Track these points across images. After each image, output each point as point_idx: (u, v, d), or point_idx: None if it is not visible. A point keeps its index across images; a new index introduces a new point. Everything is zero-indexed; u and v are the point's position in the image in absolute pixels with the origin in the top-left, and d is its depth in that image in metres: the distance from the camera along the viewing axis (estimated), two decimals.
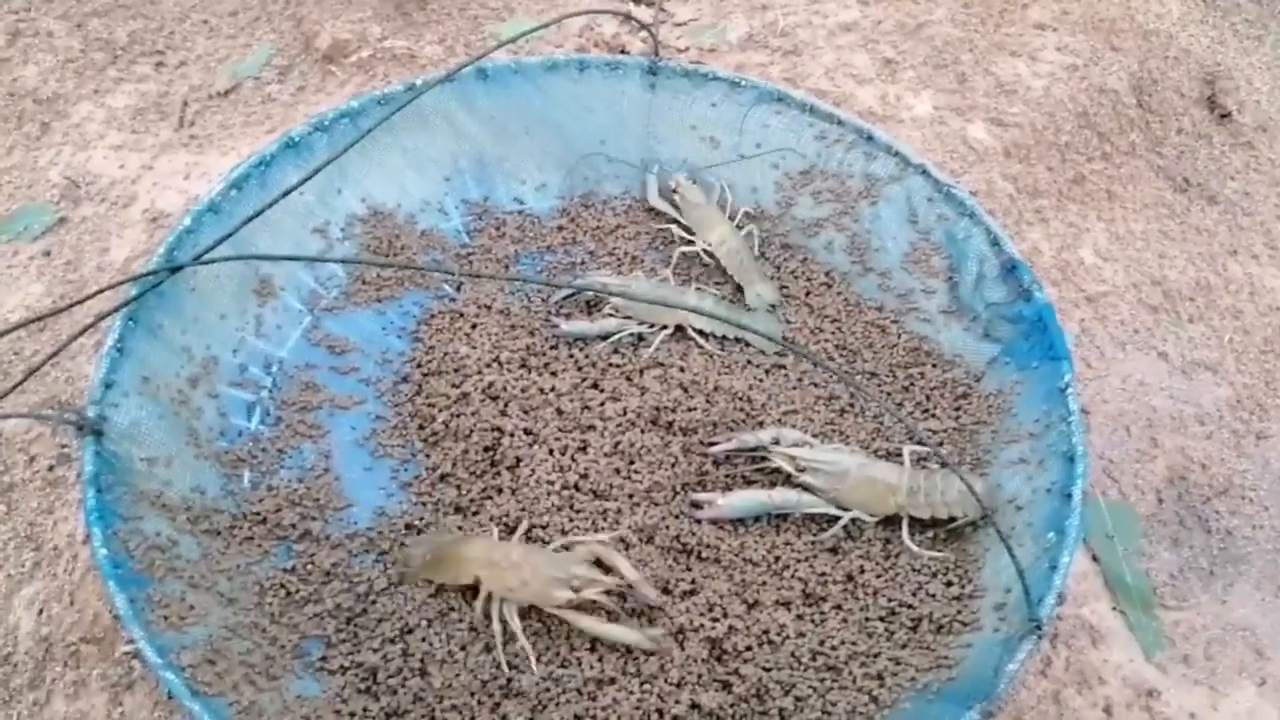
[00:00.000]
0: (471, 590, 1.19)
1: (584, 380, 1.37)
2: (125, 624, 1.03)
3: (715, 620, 1.18)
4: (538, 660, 1.14)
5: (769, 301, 1.48)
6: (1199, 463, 1.50)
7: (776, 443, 1.30)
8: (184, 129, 1.76)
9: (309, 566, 1.21)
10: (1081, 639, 1.32)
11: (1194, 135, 1.93)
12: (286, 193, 1.28)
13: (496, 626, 1.15)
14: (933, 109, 1.78)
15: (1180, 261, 1.74)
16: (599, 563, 1.19)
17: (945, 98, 1.80)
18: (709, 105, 1.54)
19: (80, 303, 1.22)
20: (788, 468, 1.27)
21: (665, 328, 1.43)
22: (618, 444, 1.29)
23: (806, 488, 1.26)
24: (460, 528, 1.24)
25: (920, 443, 1.32)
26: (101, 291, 1.22)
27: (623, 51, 1.81)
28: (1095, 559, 1.39)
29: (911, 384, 1.40)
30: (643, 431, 1.30)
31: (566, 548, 1.21)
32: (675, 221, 1.54)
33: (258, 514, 1.24)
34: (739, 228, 1.53)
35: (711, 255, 1.52)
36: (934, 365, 1.41)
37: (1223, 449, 1.53)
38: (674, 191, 1.54)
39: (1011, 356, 1.34)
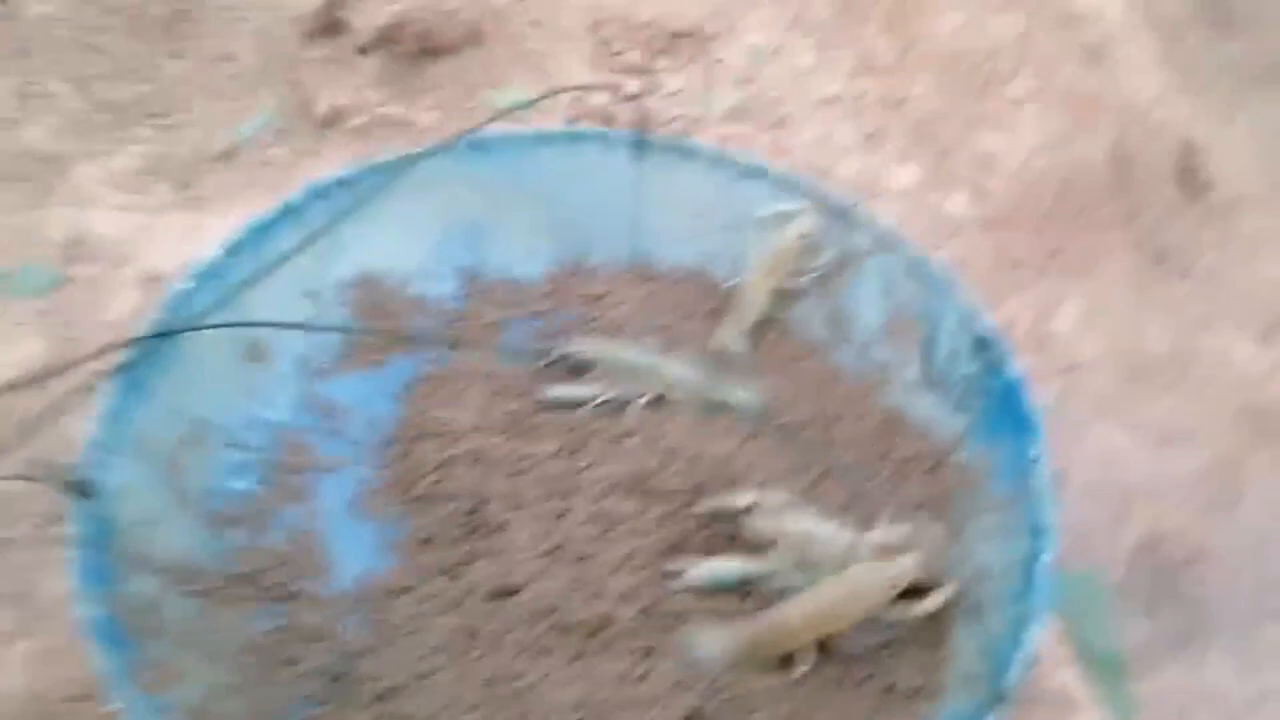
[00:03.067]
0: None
1: (566, 445, 1.40)
2: (111, 685, 1.05)
3: (692, 685, 1.20)
4: None
5: (727, 345, 1.52)
6: (1171, 532, 1.53)
7: (757, 505, 1.33)
8: (183, 191, 1.81)
9: (295, 627, 1.23)
10: (1053, 707, 1.34)
11: (1170, 208, 1.97)
12: (282, 260, 1.32)
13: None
14: (914, 181, 1.82)
15: (1155, 332, 1.77)
16: None
17: (926, 170, 1.84)
18: (694, 178, 1.58)
19: (73, 365, 1.26)
20: (764, 535, 1.30)
21: (648, 393, 1.47)
22: (598, 510, 1.32)
23: (780, 556, 1.29)
24: (444, 591, 1.26)
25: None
26: (96, 355, 1.26)
27: (612, 122, 1.86)
28: (1066, 628, 1.42)
29: (886, 453, 1.43)
30: (623, 498, 1.33)
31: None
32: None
33: (245, 575, 1.26)
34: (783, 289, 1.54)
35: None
36: (908, 435, 1.44)
37: (1195, 518, 1.56)
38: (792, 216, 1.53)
39: (982, 428, 1.37)
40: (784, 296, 1.55)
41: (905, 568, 1.22)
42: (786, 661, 1.24)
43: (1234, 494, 1.61)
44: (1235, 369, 1.76)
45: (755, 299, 1.54)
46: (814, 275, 1.54)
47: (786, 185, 1.55)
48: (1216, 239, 1.97)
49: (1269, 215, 2.06)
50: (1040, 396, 1.59)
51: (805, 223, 1.52)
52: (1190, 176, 2.03)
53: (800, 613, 1.22)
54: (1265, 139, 2.22)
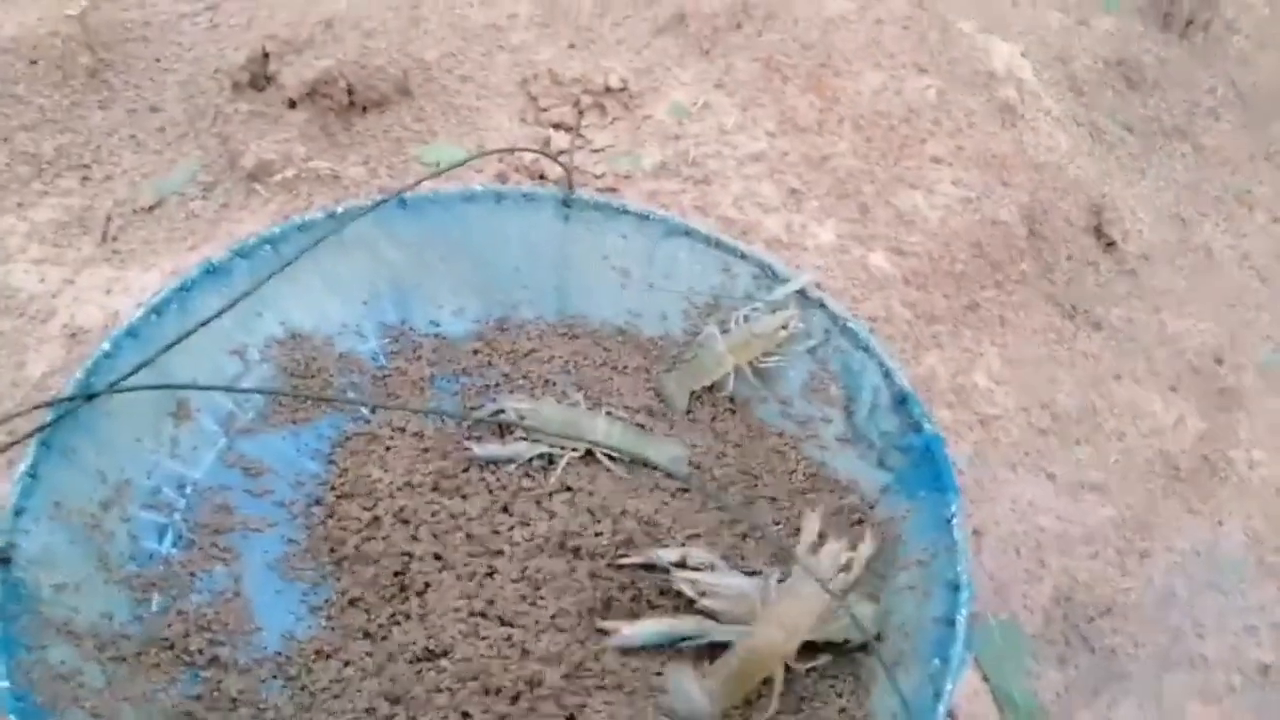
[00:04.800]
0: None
1: (494, 504, 1.41)
2: None
3: None
4: None
5: (671, 395, 1.57)
6: (1084, 582, 1.57)
7: (683, 562, 1.35)
8: (106, 244, 1.79)
9: (216, 693, 1.22)
10: None
11: (1081, 263, 2.05)
12: (205, 323, 1.32)
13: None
14: (836, 237, 1.87)
15: (1068, 385, 1.83)
16: None
17: (848, 227, 1.89)
18: (620, 237, 1.61)
19: None
20: (689, 592, 1.32)
21: (575, 450, 1.48)
22: (525, 570, 1.33)
23: (706, 612, 1.31)
24: (369, 654, 1.26)
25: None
26: (15, 416, 1.25)
27: (541, 177, 1.88)
28: (985, 678, 1.45)
29: (810, 509, 1.45)
30: (550, 557, 1.34)
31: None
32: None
33: (166, 639, 1.25)
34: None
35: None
36: (831, 491, 1.47)
37: (1107, 568, 1.61)
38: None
39: (902, 485, 1.40)
40: (739, 374, 1.57)
41: (833, 556, 1.31)
42: (752, 700, 1.28)
43: (1143, 545, 1.66)
44: (1145, 421, 1.83)
45: (715, 367, 1.56)
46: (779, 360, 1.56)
47: (711, 243, 1.59)
48: (1126, 293, 2.05)
49: (1176, 270, 2.15)
50: (958, 449, 1.65)
51: (789, 316, 1.53)
52: (1100, 232, 2.11)
53: (764, 635, 1.26)
54: (1173, 195, 2.32)
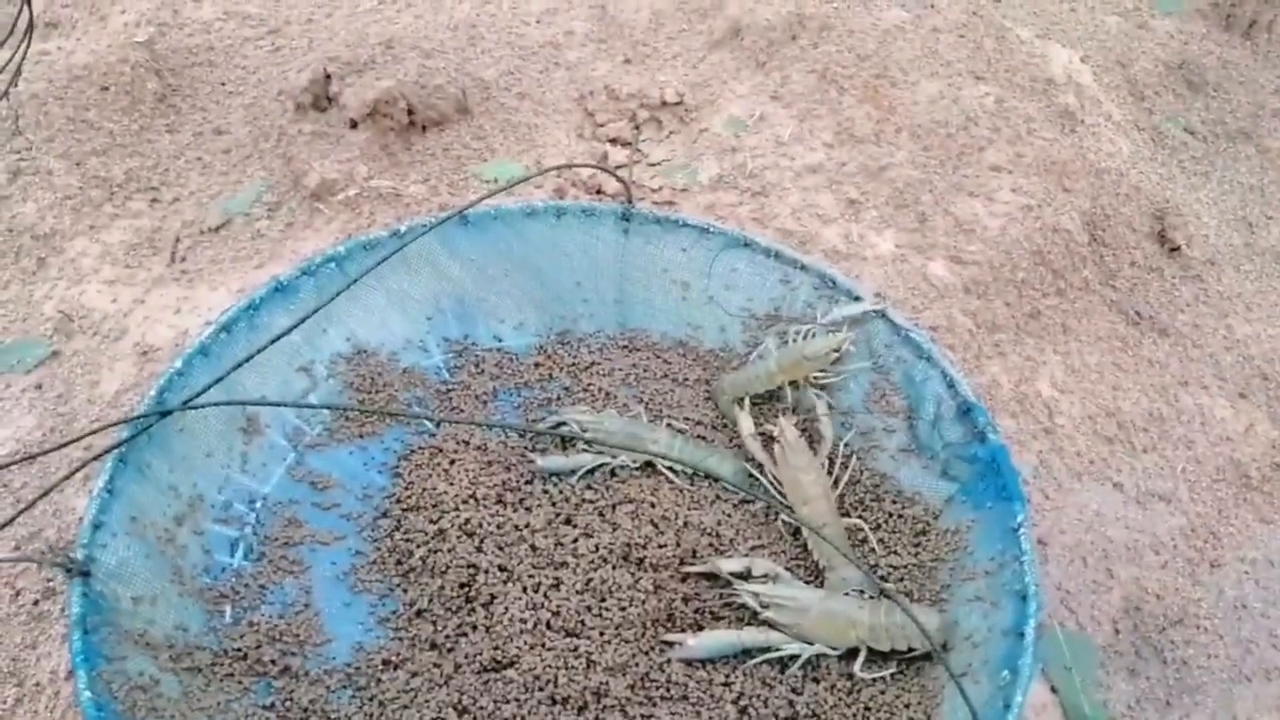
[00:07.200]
0: None
1: (558, 516, 1.42)
2: None
3: None
4: None
5: (719, 399, 1.57)
6: (1154, 593, 1.55)
7: (747, 573, 1.35)
8: (175, 264, 1.83)
9: (288, 703, 1.24)
10: None
11: (1145, 269, 2.02)
12: (275, 340, 1.34)
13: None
14: (895, 247, 1.86)
15: (1134, 393, 1.81)
16: None
17: (907, 236, 1.88)
18: (679, 250, 1.62)
19: (70, 443, 1.28)
20: (753, 604, 1.32)
21: (634, 461, 1.48)
22: (589, 581, 1.33)
23: (770, 624, 1.31)
24: (437, 665, 1.28)
25: (884, 578, 1.37)
26: (93, 433, 1.28)
27: (599, 192, 1.89)
28: (1054, 690, 1.43)
29: (873, 520, 1.45)
30: (614, 568, 1.35)
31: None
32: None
33: (239, 650, 1.27)
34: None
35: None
36: (894, 501, 1.46)
37: (1177, 578, 1.58)
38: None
39: (968, 495, 1.39)
40: (796, 389, 1.57)
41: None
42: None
43: (1214, 554, 1.63)
44: (1214, 428, 1.80)
45: (763, 381, 1.56)
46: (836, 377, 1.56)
47: (771, 255, 1.59)
48: (1192, 299, 2.02)
49: (1243, 274, 2.11)
50: (1022, 459, 1.63)
51: (842, 339, 1.52)
52: (1164, 237, 2.08)
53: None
54: (1238, 199, 2.28)
